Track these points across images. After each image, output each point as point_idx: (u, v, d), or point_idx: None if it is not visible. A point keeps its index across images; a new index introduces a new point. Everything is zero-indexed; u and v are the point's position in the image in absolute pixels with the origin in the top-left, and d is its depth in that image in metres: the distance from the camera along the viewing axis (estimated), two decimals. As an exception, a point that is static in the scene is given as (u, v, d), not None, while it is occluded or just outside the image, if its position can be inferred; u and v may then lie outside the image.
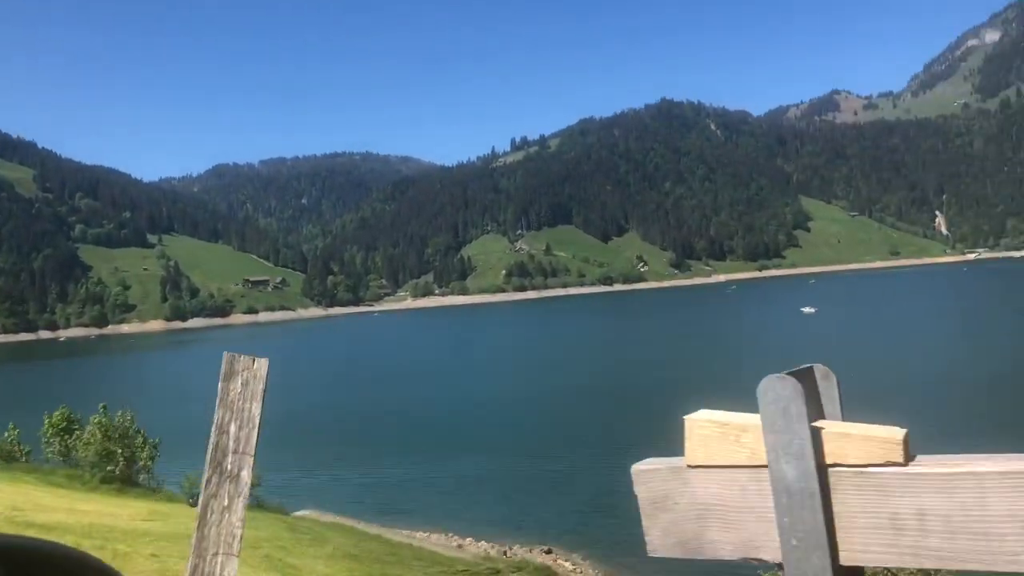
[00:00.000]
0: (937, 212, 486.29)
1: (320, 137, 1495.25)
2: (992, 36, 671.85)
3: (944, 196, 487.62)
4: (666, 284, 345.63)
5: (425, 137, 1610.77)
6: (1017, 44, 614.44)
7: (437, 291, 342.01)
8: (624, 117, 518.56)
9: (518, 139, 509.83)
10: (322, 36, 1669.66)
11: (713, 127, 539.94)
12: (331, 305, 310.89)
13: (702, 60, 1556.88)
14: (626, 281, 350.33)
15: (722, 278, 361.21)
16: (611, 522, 29.75)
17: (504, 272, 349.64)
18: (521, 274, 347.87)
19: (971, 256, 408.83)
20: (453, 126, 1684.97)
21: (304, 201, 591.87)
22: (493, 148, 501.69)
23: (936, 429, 36.72)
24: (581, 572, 27.32)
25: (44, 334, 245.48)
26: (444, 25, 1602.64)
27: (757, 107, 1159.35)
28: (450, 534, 31.19)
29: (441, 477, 42.63)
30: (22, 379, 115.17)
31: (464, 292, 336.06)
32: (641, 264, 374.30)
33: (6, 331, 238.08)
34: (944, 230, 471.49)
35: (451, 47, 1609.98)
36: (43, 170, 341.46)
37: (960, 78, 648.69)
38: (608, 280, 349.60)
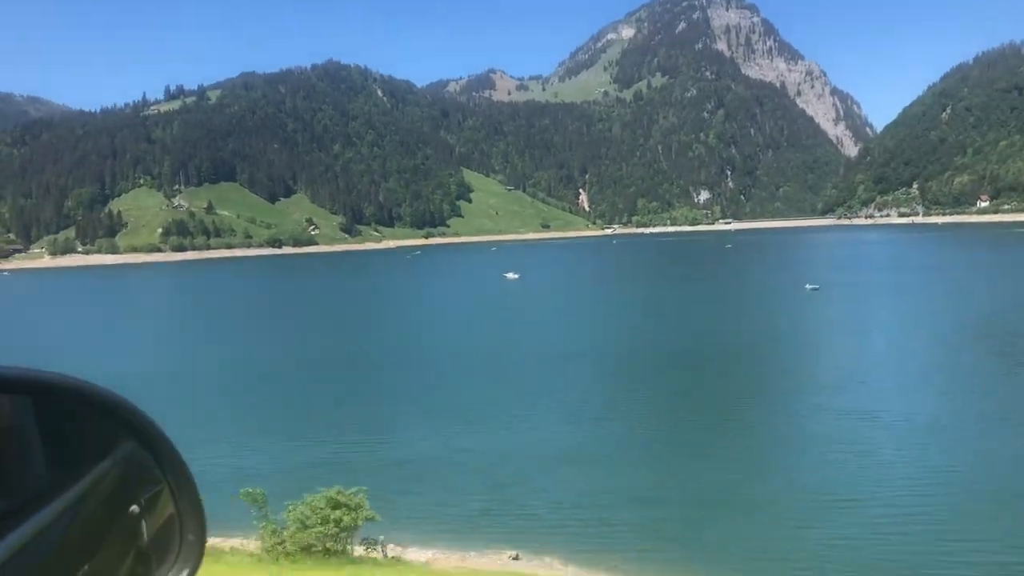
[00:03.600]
0: (581, 190, 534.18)
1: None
2: (628, 32, 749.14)
3: (587, 175, 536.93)
4: (338, 248, 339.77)
5: (57, 78, 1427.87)
6: (648, 41, 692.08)
7: (80, 249, 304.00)
8: (290, 74, 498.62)
9: (173, 87, 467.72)
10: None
11: (380, 93, 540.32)
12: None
13: (367, 26, 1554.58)
14: (296, 244, 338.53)
15: (392, 244, 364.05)
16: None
17: (160, 230, 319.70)
18: (181, 233, 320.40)
19: (608, 231, 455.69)
20: (91, 69, 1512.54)
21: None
22: (144, 95, 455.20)
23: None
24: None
25: None
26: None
27: (419, 78, 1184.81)
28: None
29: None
30: None
31: (114, 251, 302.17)
32: (311, 227, 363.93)
33: None
34: (586, 206, 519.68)
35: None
36: None
37: (601, 68, 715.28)
38: (277, 243, 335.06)
